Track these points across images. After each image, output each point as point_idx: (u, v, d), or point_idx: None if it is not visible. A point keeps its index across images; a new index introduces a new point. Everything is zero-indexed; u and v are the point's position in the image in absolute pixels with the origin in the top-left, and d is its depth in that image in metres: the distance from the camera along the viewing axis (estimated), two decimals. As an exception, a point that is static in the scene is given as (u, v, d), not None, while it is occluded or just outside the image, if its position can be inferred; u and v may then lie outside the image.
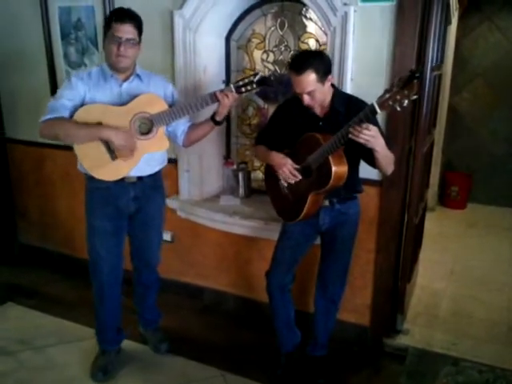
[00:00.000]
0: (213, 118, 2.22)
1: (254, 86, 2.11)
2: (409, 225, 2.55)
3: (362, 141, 1.78)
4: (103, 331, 2.45)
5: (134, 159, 2.13)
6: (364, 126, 1.75)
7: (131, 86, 2.15)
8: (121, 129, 2.05)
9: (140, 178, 2.22)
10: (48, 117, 2.03)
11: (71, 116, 2.06)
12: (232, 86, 2.12)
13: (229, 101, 2.11)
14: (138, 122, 2.11)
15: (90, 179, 2.19)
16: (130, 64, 2.12)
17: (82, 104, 2.08)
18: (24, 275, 3.50)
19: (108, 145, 2.07)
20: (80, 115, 2.05)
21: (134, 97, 2.12)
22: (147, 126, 2.12)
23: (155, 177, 2.31)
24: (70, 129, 2.02)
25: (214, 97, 2.11)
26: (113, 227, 2.27)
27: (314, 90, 1.93)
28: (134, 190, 2.24)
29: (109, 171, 2.13)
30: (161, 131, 2.15)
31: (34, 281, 3.41)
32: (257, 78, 2.09)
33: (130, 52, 2.06)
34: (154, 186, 2.33)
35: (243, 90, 2.11)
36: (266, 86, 2.18)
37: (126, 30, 2.02)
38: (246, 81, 2.11)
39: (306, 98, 1.97)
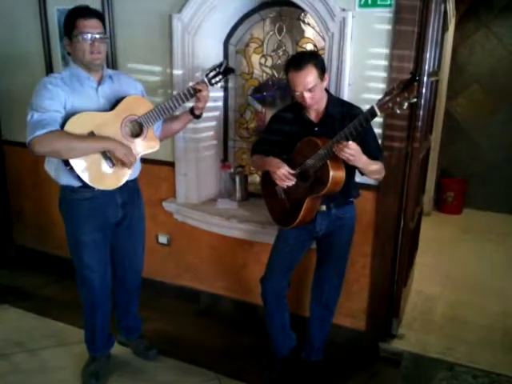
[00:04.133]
0: (191, 111, 2.29)
1: (221, 76, 2.21)
2: (405, 229, 2.55)
3: (343, 158, 1.85)
4: (94, 339, 2.39)
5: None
6: (344, 143, 1.81)
7: (105, 89, 2.09)
8: (115, 136, 2.02)
9: (125, 183, 2.14)
10: (41, 132, 1.86)
11: (61, 128, 1.94)
12: (205, 79, 2.19)
13: (206, 94, 2.18)
14: (129, 125, 2.10)
15: (73, 191, 2.09)
16: (104, 61, 2.06)
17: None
18: (20, 277, 3.49)
19: (105, 153, 2.02)
20: (72, 126, 1.93)
21: (111, 100, 2.08)
22: (137, 128, 2.11)
23: (136, 180, 2.30)
24: (71, 142, 1.90)
25: (193, 91, 2.15)
26: (102, 238, 2.21)
27: (315, 86, 1.94)
28: (121, 196, 2.20)
29: (110, 180, 2.07)
30: (151, 131, 2.15)
31: (30, 283, 3.40)
32: (222, 67, 2.19)
33: (102, 47, 2.01)
34: (135, 190, 2.31)
35: (213, 81, 2.20)
36: (233, 73, 2.34)
37: (95, 26, 1.96)
38: (214, 72, 2.19)
39: (308, 96, 1.96)
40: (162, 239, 3.11)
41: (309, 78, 1.92)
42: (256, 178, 3.18)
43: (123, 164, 2.04)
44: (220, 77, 2.20)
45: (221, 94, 2.99)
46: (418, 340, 2.70)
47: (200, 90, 2.15)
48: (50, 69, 3.19)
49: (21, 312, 3.01)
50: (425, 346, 2.64)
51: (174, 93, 2.17)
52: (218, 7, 2.62)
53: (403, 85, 1.67)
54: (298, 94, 1.98)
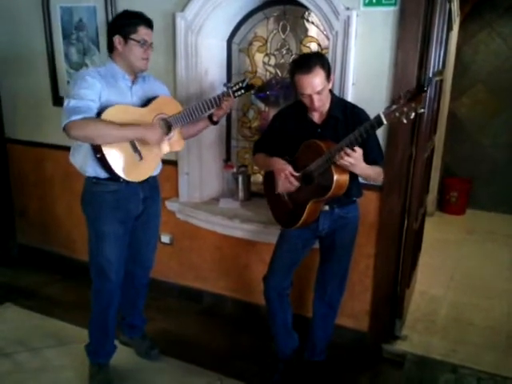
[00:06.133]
0: (210, 117, 2.39)
1: (243, 91, 2.33)
2: (408, 230, 2.54)
3: (343, 165, 1.86)
4: (104, 343, 2.36)
5: (157, 159, 2.22)
6: (348, 151, 1.80)
7: (138, 88, 2.19)
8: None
9: (147, 179, 2.23)
10: (77, 117, 1.94)
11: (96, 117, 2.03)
12: (230, 91, 2.31)
13: (229, 104, 2.31)
14: (159, 123, 2.17)
15: (98, 183, 2.14)
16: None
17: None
18: (22, 276, 3.49)
19: (134, 145, 2.09)
20: (107, 116, 2.01)
21: (142, 99, 2.18)
22: (164, 127, 2.19)
23: (156, 177, 2.36)
24: (104, 129, 1.98)
25: (219, 100, 2.28)
26: (122, 232, 2.24)
27: (323, 88, 1.94)
28: (143, 190, 2.25)
29: (138, 172, 2.15)
30: (177, 132, 2.26)
31: (33, 282, 3.40)
32: (244, 83, 2.32)
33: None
34: (155, 186, 2.37)
35: (236, 94, 2.33)
36: (252, 89, 2.45)
37: (151, 35, 2.13)
38: (238, 86, 2.32)
39: (317, 99, 1.95)
40: (165, 238, 3.11)
41: (317, 80, 1.91)
42: (259, 178, 3.16)
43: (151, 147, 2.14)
44: (242, 91, 2.32)
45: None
46: (421, 341, 2.68)
47: (225, 101, 2.28)
48: (53, 67, 3.18)
49: (23, 311, 3.01)
50: (428, 347, 2.63)
51: (193, 105, 2.27)
52: (221, 5, 2.61)
53: (410, 95, 1.65)
54: (305, 96, 1.97)
